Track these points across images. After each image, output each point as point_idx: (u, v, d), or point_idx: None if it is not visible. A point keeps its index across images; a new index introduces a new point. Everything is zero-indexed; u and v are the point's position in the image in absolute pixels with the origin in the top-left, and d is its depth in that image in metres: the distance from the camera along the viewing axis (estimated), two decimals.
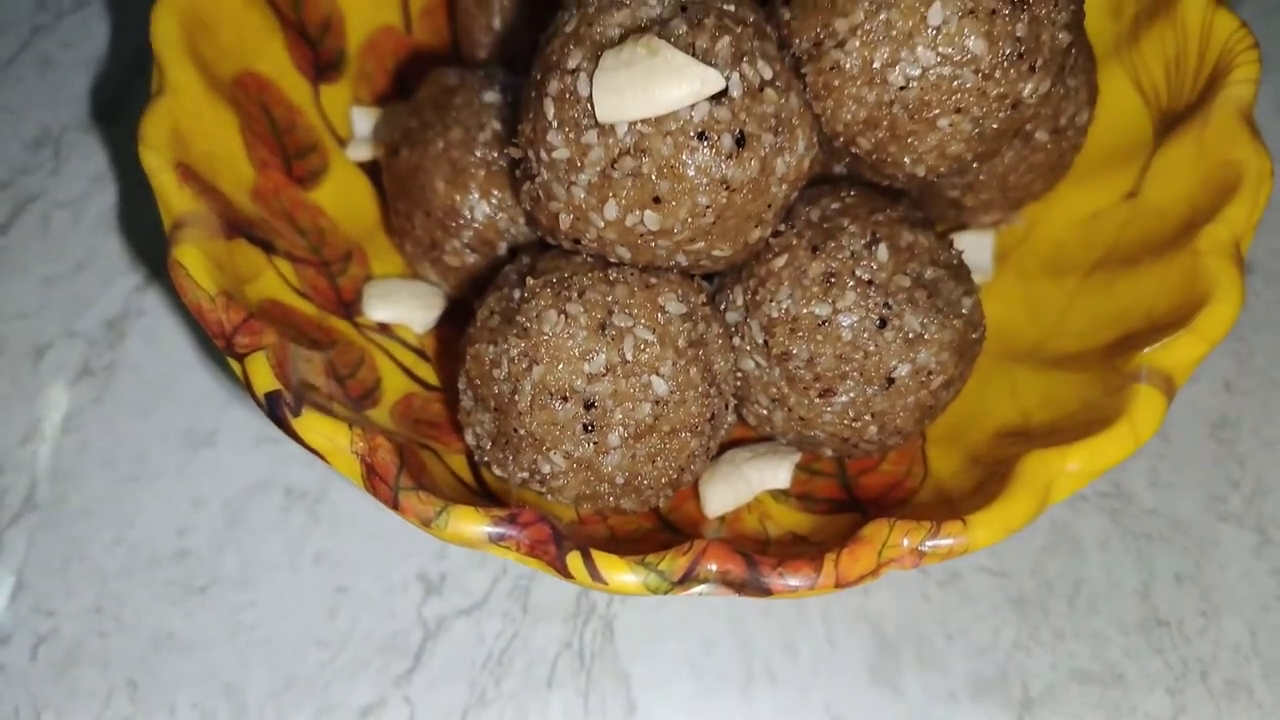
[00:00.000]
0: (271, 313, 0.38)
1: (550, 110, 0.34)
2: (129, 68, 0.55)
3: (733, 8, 0.35)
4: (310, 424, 0.33)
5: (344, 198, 0.46)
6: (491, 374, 0.36)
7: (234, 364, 0.35)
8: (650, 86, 0.32)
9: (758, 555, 0.33)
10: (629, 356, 0.35)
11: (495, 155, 0.40)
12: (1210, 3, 0.42)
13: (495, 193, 0.40)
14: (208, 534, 0.44)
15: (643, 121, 0.33)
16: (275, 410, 0.34)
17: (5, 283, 0.49)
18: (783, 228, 0.38)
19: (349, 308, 0.43)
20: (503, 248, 0.41)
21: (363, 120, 0.47)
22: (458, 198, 0.40)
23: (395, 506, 0.33)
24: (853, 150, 0.36)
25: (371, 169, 0.47)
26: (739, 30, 0.34)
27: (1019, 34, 0.33)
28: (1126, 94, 0.45)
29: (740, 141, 0.33)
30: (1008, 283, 0.45)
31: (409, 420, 0.40)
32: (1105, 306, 0.41)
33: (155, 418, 0.47)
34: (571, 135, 0.34)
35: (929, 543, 0.33)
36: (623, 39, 0.34)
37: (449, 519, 0.33)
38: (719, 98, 0.33)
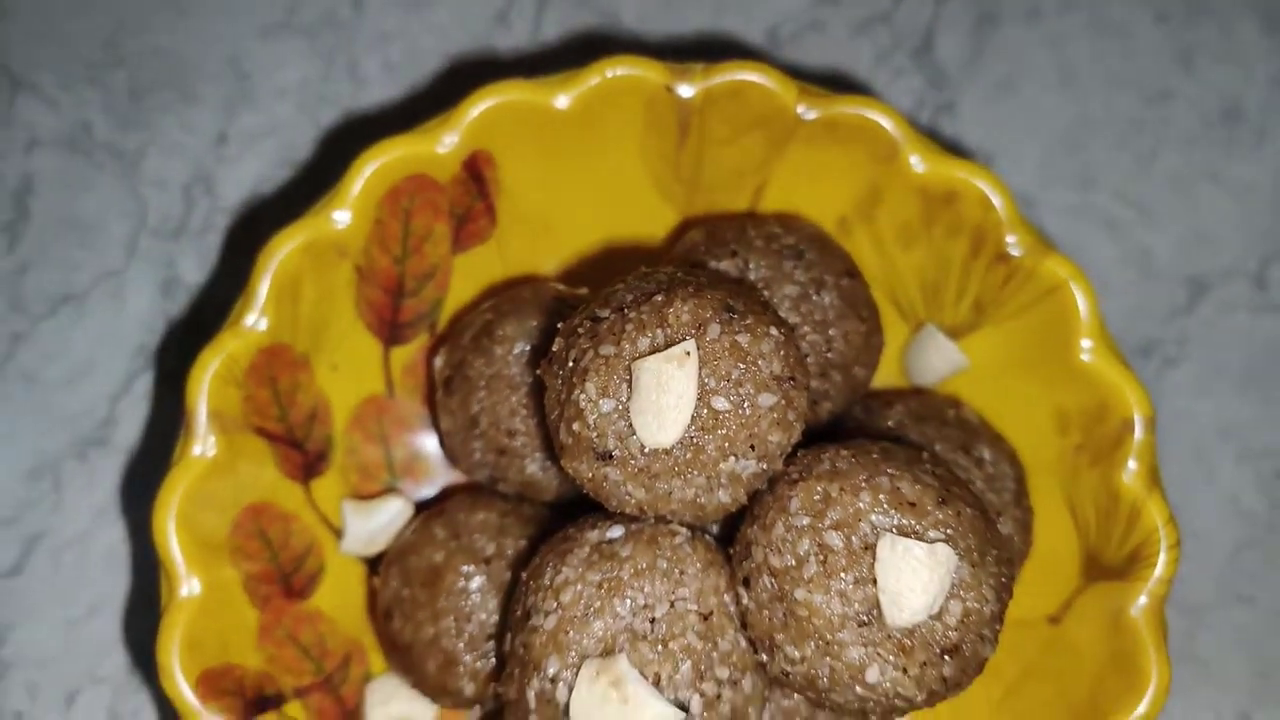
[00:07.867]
0: None
1: (532, 700, 0.38)
2: (116, 383, 0.56)
3: (690, 615, 0.38)
4: None
5: (340, 591, 0.50)
6: None
7: None
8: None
9: None
10: None
11: (486, 647, 0.44)
12: (1147, 482, 0.45)
13: (487, 684, 0.44)
14: None
15: None
16: None
17: (26, 627, 0.53)
18: None
19: (352, 717, 0.48)
20: None
21: (352, 514, 0.50)
22: (449, 682, 0.44)
23: None
24: None
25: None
26: (700, 647, 0.38)
27: (946, 674, 0.37)
28: (1060, 514, 0.49)
29: None
30: None
31: None
32: None
33: None
34: None
35: None
36: (599, 652, 0.38)
37: None
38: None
